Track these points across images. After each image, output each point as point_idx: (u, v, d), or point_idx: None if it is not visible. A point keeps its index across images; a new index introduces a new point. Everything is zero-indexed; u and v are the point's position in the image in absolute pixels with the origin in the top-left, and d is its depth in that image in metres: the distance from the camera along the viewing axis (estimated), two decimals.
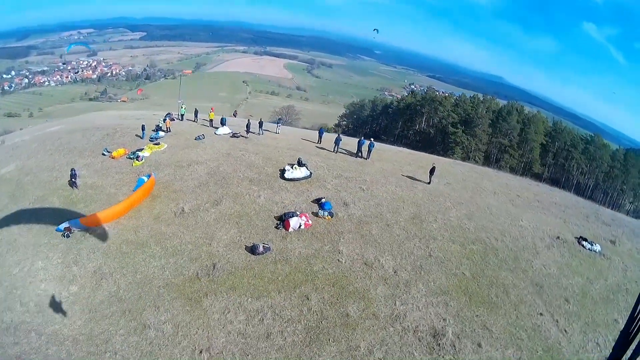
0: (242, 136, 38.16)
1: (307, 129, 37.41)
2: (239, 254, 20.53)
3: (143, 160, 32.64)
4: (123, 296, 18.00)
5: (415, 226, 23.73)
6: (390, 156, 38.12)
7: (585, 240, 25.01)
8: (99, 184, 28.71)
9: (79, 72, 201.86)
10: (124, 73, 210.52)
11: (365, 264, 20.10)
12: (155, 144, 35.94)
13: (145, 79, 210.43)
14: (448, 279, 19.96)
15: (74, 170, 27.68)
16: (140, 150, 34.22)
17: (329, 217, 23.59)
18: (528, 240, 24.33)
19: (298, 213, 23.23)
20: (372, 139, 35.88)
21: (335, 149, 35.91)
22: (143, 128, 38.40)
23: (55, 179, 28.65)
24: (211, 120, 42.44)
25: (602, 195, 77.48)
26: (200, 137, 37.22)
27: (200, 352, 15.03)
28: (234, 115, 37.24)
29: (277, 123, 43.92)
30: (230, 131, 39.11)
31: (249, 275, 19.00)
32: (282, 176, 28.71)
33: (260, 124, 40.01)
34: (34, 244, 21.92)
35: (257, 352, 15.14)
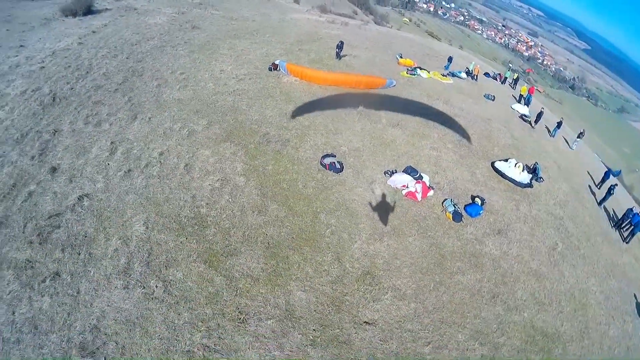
0: (530, 123, 30.82)
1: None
2: (310, 158, 17.41)
3: (414, 76, 31.60)
4: (205, 105, 19.81)
5: (526, 343, 12.48)
6: None
7: None
8: (354, 66, 29.88)
9: (515, 42, 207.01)
10: (553, 69, 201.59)
11: (369, 273, 12.64)
12: (444, 75, 34.27)
13: (570, 87, 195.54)
14: None
15: (341, 43, 29.85)
16: (422, 69, 33.31)
17: (450, 215, 15.83)
18: None
19: (421, 177, 16.75)
20: None
21: (601, 201, 23.59)
22: (449, 60, 38.45)
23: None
24: (521, 95, 35.76)
25: None
26: (490, 97, 32.87)
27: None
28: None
29: (578, 136, 32.15)
30: (525, 113, 31.95)
31: (284, 169, 16.29)
32: (492, 164, 21.13)
33: (559, 124, 30.66)
34: (246, 56, 26.26)
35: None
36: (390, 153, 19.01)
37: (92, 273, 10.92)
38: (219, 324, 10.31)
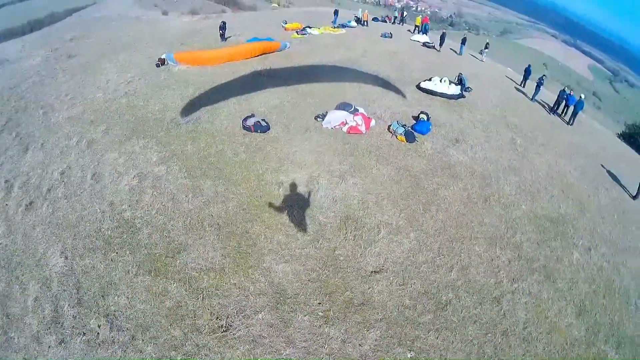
0: (435, 48, 30.34)
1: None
2: (230, 126, 14.64)
3: (305, 35, 29.58)
4: (99, 114, 16.82)
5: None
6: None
7: None
8: (243, 43, 26.63)
9: None
10: (429, 12, 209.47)
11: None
12: (336, 27, 32.48)
13: (450, 25, 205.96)
14: None
15: (224, 24, 26.75)
16: (311, 27, 31.23)
17: (402, 137, 13.66)
18: None
19: (356, 109, 14.40)
20: (582, 96, 21.53)
21: (534, 96, 23.93)
22: (335, 13, 36.62)
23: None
24: (416, 26, 35.23)
25: None
26: (387, 35, 31.59)
27: None
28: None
29: (485, 47, 32.59)
30: (426, 41, 31.19)
31: (205, 144, 13.64)
32: (418, 86, 19.57)
33: (464, 40, 31.57)
34: (129, 63, 22.80)
35: None
36: (312, 100, 16.74)
37: (16, 339, 7.84)
38: (197, 344, 7.58)
